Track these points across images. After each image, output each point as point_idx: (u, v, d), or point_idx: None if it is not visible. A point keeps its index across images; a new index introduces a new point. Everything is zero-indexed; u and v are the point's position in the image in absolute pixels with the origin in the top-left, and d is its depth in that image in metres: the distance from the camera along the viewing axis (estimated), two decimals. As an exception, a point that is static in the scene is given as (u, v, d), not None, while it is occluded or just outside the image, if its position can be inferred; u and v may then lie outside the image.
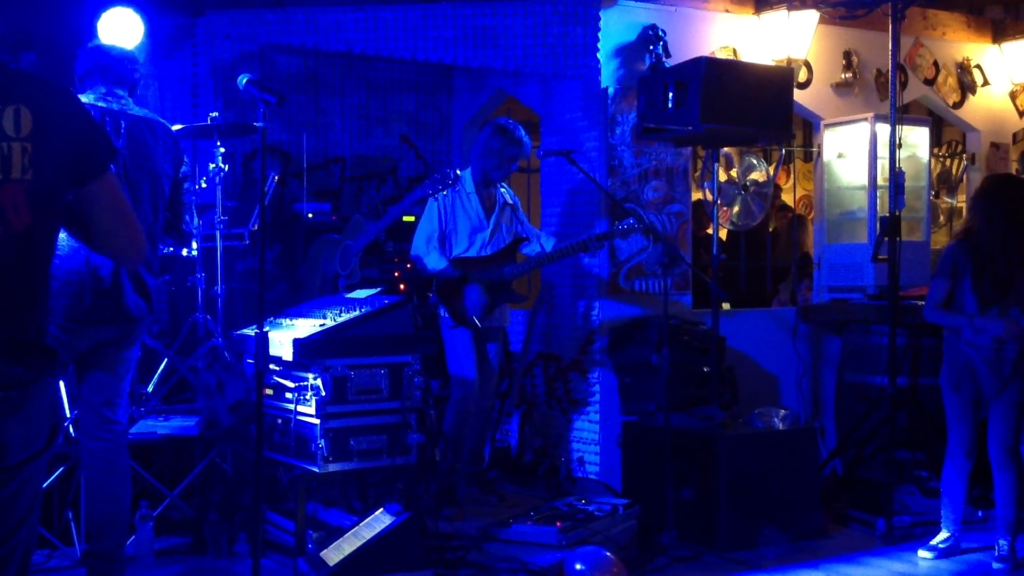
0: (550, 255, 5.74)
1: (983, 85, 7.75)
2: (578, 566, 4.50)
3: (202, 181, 5.57)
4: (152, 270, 4.11)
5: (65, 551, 4.64)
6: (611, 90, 6.24)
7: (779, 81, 5.82)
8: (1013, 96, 7.89)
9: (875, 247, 5.80)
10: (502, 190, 5.91)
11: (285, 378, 4.64)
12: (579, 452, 6.34)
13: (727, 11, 6.64)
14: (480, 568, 4.58)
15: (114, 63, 4.20)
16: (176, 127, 5.53)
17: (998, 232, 4.97)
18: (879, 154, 6.62)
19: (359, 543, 4.15)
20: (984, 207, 5.06)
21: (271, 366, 4.60)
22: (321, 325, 4.57)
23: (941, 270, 5.11)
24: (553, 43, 6.07)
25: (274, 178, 6.12)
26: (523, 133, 5.79)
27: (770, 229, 7.95)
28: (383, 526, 4.19)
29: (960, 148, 8.25)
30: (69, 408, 4.53)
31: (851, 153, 6.90)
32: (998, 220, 4.98)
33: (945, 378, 5.12)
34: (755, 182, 6.83)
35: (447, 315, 5.69)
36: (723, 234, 7.54)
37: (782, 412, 5.73)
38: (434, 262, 5.68)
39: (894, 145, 5.68)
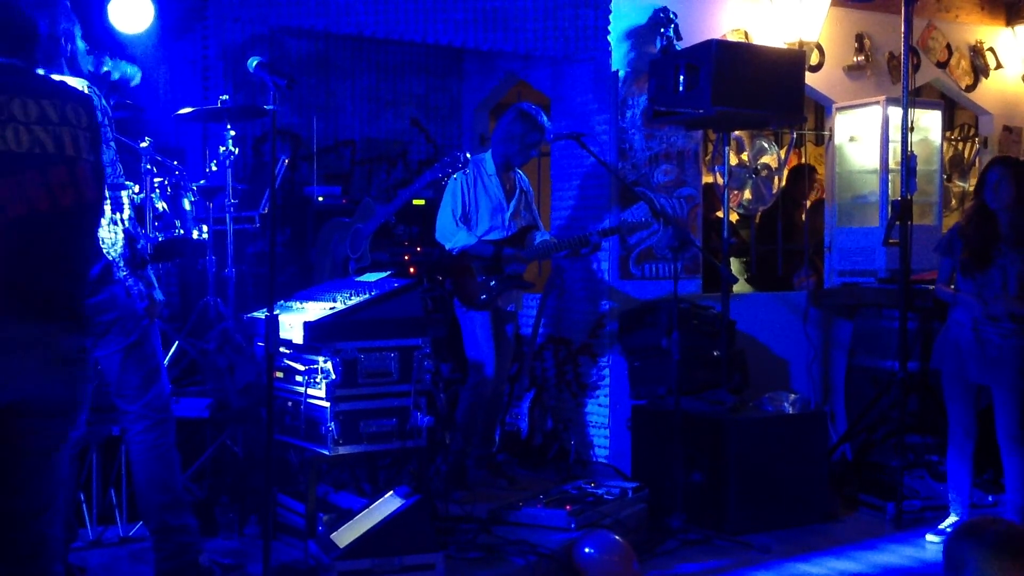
0: (558, 244, 5.72)
1: (996, 68, 7.70)
2: (587, 549, 4.51)
3: (212, 164, 5.58)
4: None
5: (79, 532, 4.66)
6: (622, 73, 6.21)
7: (791, 64, 5.80)
8: (1027, 79, 7.85)
9: (886, 231, 5.79)
10: (520, 174, 5.90)
11: (295, 361, 4.65)
12: (589, 436, 6.35)
13: (739, -7, 6.62)
14: (490, 551, 4.59)
15: None
16: (187, 110, 5.55)
17: (976, 207, 5.13)
18: (891, 137, 6.59)
19: (369, 525, 4.16)
20: (977, 184, 5.27)
21: (281, 349, 4.62)
22: (331, 308, 4.58)
23: (939, 248, 5.29)
24: (564, 26, 6.05)
25: (284, 161, 6.12)
26: (545, 119, 5.75)
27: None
28: (393, 509, 4.20)
29: (973, 132, 8.21)
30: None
31: (863, 136, 6.87)
32: (978, 195, 5.16)
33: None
34: (766, 165, 6.82)
35: (457, 299, 5.69)
36: (733, 217, 7.52)
37: (792, 396, 5.73)
38: (463, 239, 5.62)
39: (906, 128, 5.65)
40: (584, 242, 5.62)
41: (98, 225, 3.12)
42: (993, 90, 7.72)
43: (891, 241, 5.75)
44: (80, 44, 4.00)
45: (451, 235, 5.66)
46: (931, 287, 5.84)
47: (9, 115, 2.80)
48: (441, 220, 5.70)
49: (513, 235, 5.74)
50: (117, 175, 3.85)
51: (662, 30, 6.19)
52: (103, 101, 3.87)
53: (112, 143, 3.86)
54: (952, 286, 5.19)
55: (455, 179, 5.63)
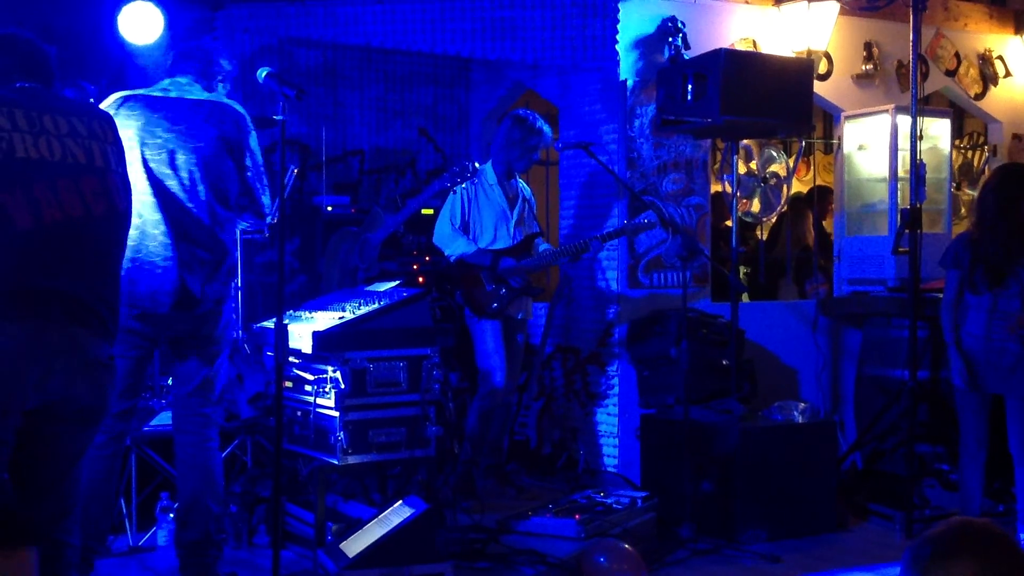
0: (560, 251, 5.74)
1: (1005, 76, 7.69)
2: (597, 558, 4.49)
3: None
4: None
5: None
6: (630, 82, 6.22)
7: (799, 73, 5.79)
8: (1035, 87, 7.84)
9: (896, 240, 5.78)
10: (521, 183, 5.92)
11: (305, 371, 4.66)
12: (598, 445, 6.34)
13: (747, 2, 6.61)
14: (499, 560, 4.58)
15: None
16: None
17: (991, 222, 5.04)
18: (900, 146, 6.58)
19: (378, 535, 4.16)
20: (982, 196, 5.18)
21: (291, 359, 4.63)
22: (340, 318, 4.58)
23: (945, 262, 5.21)
24: (572, 35, 6.06)
25: (293, 171, 6.13)
26: (542, 122, 5.79)
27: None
28: (402, 518, 4.20)
29: (982, 140, 8.19)
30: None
31: (872, 145, 6.86)
32: (992, 209, 5.06)
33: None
34: (775, 174, 6.81)
35: (468, 308, 5.69)
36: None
37: (801, 405, 5.71)
38: (462, 247, 5.67)
39: (915, 137, 5.64)
40: (584, 248, 5.64)
41: (127, 235, 3.18)
42: (1002, 98, 7.71)
43: (900, 250, 5.74)
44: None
45: (449, 242, 5.69)
46: (940, 295, 5.82)
47: (41, 128, 2.93)
48: (439, 227, 5.74)
49: (518, 243, 5.76)
50: None
51: (670, 39, 6.20)
52: None
53: None
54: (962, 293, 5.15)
55: (454, 192, 5.66)
